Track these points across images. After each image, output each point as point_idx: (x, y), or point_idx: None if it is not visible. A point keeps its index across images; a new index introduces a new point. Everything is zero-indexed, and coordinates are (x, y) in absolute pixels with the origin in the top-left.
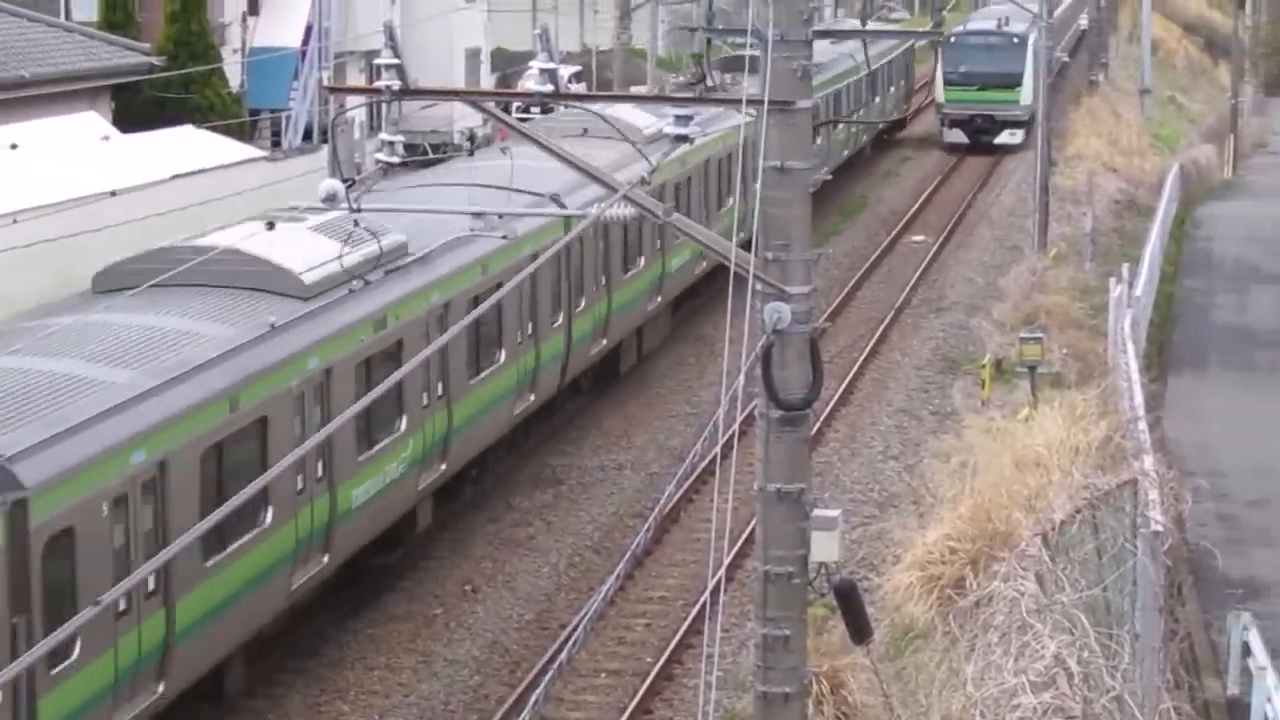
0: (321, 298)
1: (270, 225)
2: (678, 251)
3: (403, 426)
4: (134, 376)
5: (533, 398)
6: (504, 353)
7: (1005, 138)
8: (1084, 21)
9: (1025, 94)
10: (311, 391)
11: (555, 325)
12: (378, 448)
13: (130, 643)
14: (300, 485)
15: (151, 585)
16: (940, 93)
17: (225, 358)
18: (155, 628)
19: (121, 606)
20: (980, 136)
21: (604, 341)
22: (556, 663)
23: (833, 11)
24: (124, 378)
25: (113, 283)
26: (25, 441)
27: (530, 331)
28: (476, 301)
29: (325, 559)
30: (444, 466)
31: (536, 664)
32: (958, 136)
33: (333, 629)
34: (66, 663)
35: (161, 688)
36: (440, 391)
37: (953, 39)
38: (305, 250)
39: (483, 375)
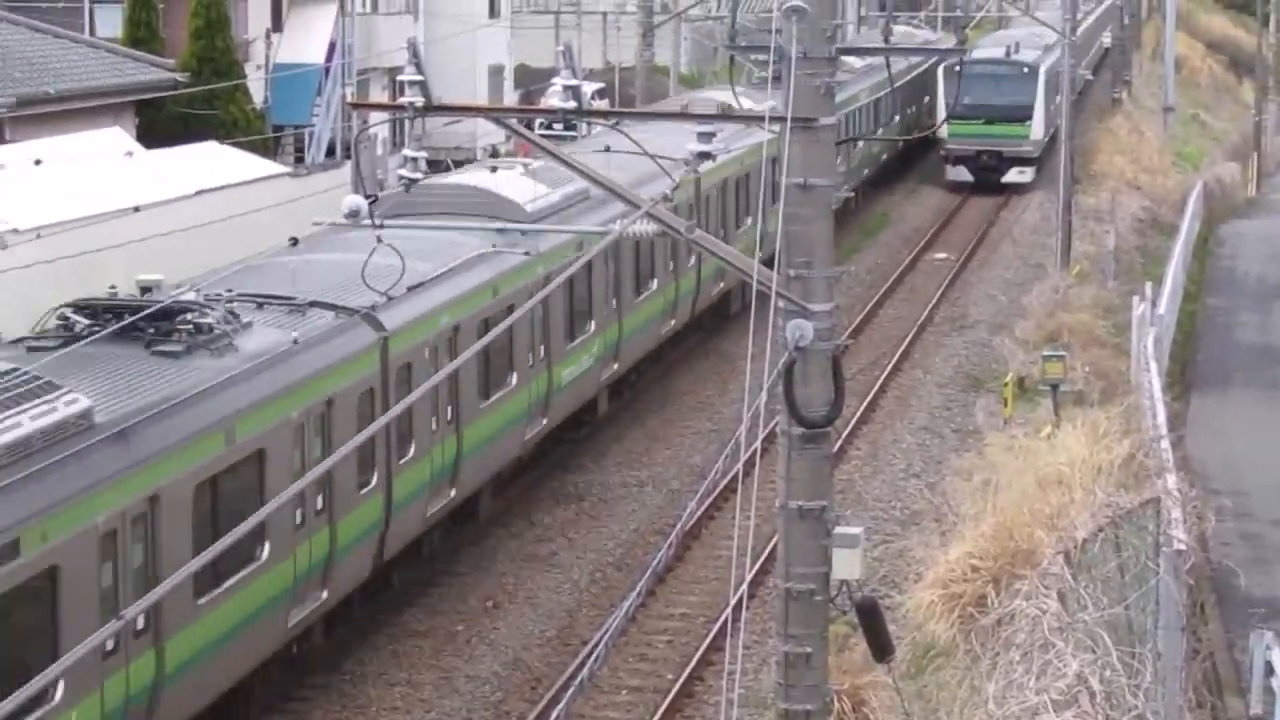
0: (539, 224)
1: (494, 169)
2: (773, 217)
3: (592, 328)
4: (429, 266)
5: (673, 322)
6: (655, 281)
7: (1014, 176)
8: (1107, 39)
9: (1036, 129)
10: (538, 290)
11: (690, 266)
12: (577, 341)
13: (439, 453)
14: (531, 361)
15: (449, 416)
16: (943, 127)
17: (485, 259)
18: (451, 446)
19: (433, 427)
20: (986, 175)
21: (722, 284)
22: (578, 679)
23: (855, 29)
24: (424, 267)
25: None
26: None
27: (672, 268)
28: (638, 242)
29: (544, 421)
30: (616, 366)
31: (558, 680)
32: (962, 174)
33: (354, 644)
34: (407, 458)
35: (453, 492)
36: (615, 306)
37: (956, 68)
38: (525, 187)
39: (642, 298)
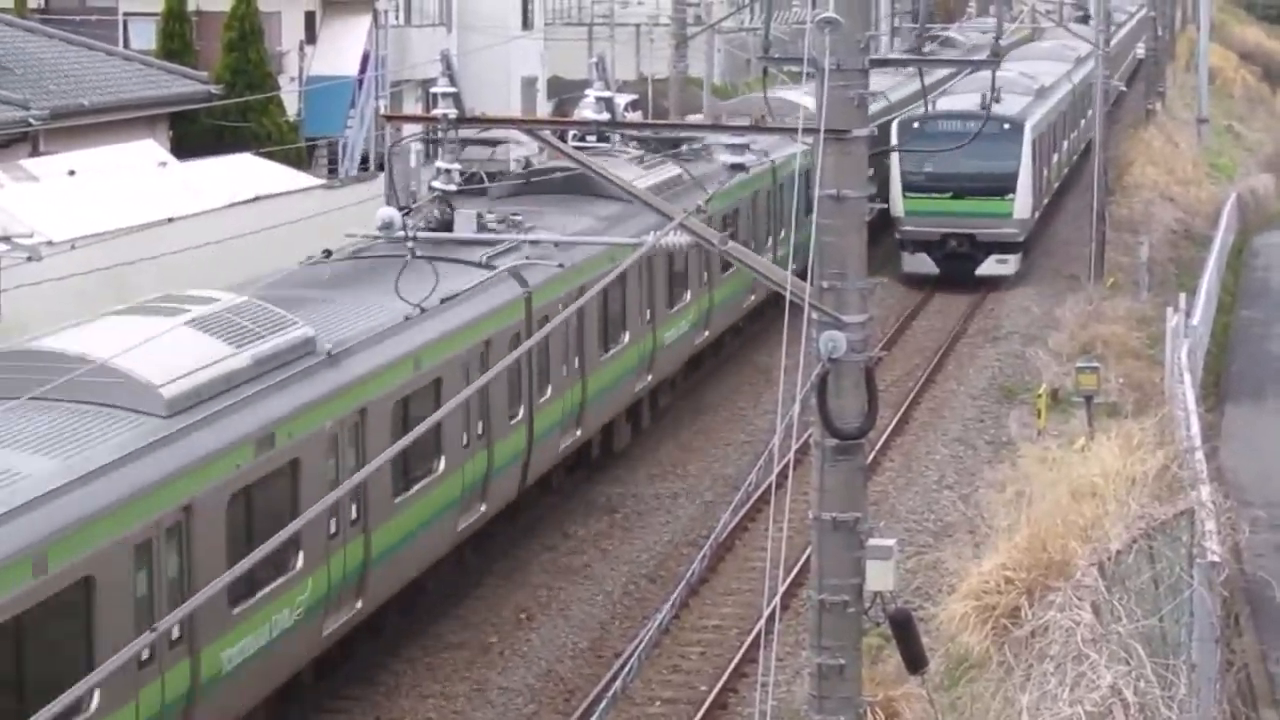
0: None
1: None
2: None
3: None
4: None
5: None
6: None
7: (991, 267)
8: (1141, 50)
9: (1020, 204)
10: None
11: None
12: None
13: (568, 399)
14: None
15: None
16: (898, 202)
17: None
18: (576, 392)
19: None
20: (955, 265)
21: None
22: (611, 691)
23: (889, 42)
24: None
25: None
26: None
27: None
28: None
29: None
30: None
31: (591, 692)
32: (923, 264)
33: (387, 656)
34: (544, 398)
35: (579, 432)
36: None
37: (915, 124)
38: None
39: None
